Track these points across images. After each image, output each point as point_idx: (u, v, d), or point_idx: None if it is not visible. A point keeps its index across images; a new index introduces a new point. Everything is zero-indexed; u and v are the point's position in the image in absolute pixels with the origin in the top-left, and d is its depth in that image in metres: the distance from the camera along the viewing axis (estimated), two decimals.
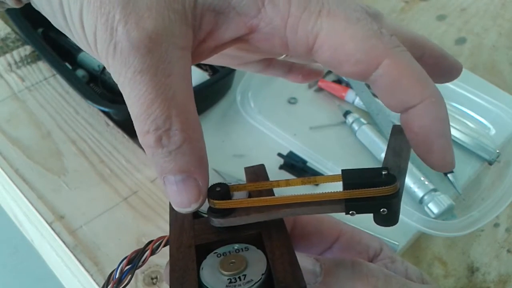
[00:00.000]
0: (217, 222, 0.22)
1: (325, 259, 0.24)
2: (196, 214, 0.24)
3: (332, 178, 0.22)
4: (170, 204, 0.22)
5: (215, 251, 0.22)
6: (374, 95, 0.61)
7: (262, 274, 0.21)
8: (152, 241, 0.24)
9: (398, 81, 0.20)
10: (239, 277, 0.21)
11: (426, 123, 0.21)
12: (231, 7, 0.21)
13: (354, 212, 0.22)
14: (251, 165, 0.27)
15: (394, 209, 0.21)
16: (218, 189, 0.22)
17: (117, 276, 0.23)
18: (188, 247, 0.22)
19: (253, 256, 0.22)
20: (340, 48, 0.20)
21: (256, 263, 0.21)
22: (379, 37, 0.20)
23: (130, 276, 0.23)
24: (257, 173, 0.26)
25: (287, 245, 0.22)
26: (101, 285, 0.23)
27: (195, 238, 0.23)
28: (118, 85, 0.20)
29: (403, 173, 0.22)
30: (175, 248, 0.22)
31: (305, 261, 0.23)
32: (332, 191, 0.21)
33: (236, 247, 0.22)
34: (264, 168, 0.26)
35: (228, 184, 0.23)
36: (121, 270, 0.23)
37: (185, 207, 0.21)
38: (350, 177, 0.21)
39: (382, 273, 0.24)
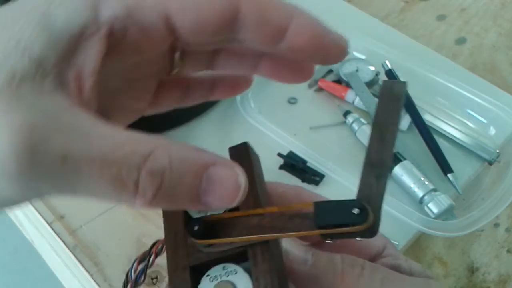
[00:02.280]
0: (206, 251, 0.24)
1: (318, 251, 0.24)
2: (187, 218, 0.24)
3: (304, 205, 0.22)
4: (163, 213, 0.23)
5: (207, 274, 0.24)
6: (374, 95, 0.61)
7: None
8: (155, 243, 0.25)
9: (262, 13, 0.20)
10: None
11: (307, 35, 0.20)
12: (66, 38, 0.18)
13: (330, 240, 0.22)
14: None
15: (372, 234, 0.21)
16: (196, 227, 0.23)
17: (133, 277, 0.23)
18: (183, 269, 0.24)
19: (241, 281, 0.23)
20: (200, 8, 0.19)
21: None
22: None
23: (144, 275, 0.24)
24: (240, 154, 0.26)
25: (272, 268, 0.22)
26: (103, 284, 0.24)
27: (188, 257, 0.24)
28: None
29: (385, 169, 0.22)
30: (172, 270, 0.24)
31: (298, 249, 0.24)
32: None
33: (225, 271, 0.24)
34: (248, 148, 0.26)
35: (203, 217, 0.24)
36: (135, 271, 0.24)
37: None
38: (322, 213, 0.22)
39: (369, 264, 0.24)
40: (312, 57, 0.21)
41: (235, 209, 0.23)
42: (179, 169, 0.18)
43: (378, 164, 0.22)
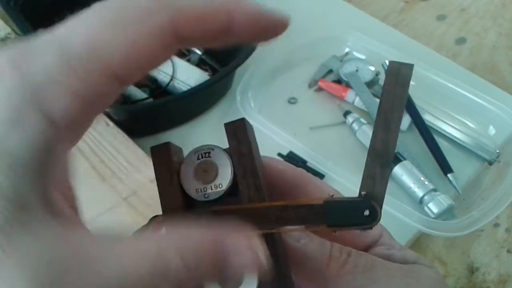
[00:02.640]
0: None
1: (311, 234, 0.25)
2: (188, 200, 0.24)
3: (313, 201, 0.22)
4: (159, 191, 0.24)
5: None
6: (374, 95, 0.61)
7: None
8: (152, 219, 0.25)
9: (197, 19, 0.19)
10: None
11: (248, 27, 0.20)
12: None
13: (335, 232, 0.23)
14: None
15: (374, 226, 0.22)
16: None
17: None
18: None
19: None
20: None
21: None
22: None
23: None
24: (238, 137, 0.25)
25: (276, 256, 0.22)
26: None
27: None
28: None
29: (389, 158, 0.22)
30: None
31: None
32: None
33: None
34: (244, 125, 0.25)
35: (206, 202, 0.24)
36: None
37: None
38: (332, 213, 0.22)
39: (355, 252, 0.25)
40: (259, 39, 0.22)
41: (237, 197, 0.23)
42: (194, 261, 0.18)
43: (383, 153, 0.22)
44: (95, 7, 0.18)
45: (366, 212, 0.21)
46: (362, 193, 0.21)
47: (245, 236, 0.19)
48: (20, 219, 0.16)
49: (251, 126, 0.25)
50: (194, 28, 0.19)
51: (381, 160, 0.22)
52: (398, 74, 0.22)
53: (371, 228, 0.21)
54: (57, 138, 0.17)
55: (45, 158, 0.17)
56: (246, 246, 0.18)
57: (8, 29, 0.67)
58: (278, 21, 0.21)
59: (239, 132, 0.24)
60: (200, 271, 0.18)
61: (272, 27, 0.21)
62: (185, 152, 0.26)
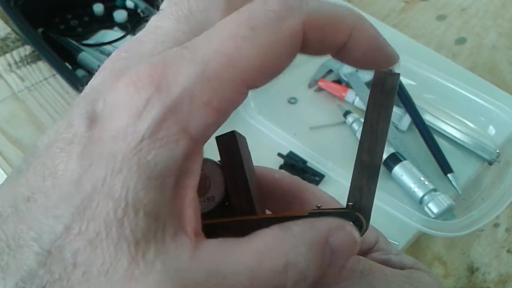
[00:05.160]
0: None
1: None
2: None
3: (300, 213, 0.22)
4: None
5: None
6: None
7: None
8: None
9: (322, 28, 0.19)
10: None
11: (363, 52, 0.19)
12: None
13: None
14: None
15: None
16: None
17: None
18: None
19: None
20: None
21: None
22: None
23: None
24: (229, 150, 0.25)
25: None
26: None
27: None
28: None
29: (376, 170, 0.22)
30: None
31: None
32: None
33: None
34: (235, 138, 0.25)
35: None
36: None
37: None
38: None
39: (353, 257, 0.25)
40: (367, 67, 0.21)
41: (229, 209, 0.23)
42: (307, 261, 0.19)
43: (369, 164, 0.22)
44: (227, 18, 0.18)
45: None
46: (349, 204, 0.21)
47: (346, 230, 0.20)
48: (156, 235, 0.16)
49: (243, 137, 0.25)
50: (318, 35, 0.19)
51: (367, 171, 0.21)
52: (384, 84, 0.22)
53: None
54: (193, 151, 0.17)
55: (182, 172, 0.17)
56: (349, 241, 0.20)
57: (8, 29, 0.67)
58: (392, 55, 0.20)
59: (230, 145, 0.24)
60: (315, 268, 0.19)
61: (384, 59, 0.20)
62: None
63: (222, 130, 0.24)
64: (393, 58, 0.21)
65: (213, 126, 0.18)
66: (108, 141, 0.17)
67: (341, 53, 0.20)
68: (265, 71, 0.18)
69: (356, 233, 0.20)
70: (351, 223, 0.21)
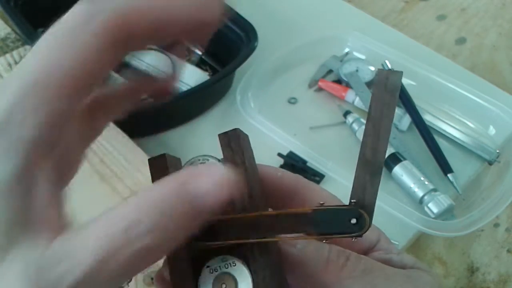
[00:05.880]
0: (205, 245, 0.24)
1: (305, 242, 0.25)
2: None
3: (302, 210, 0.22)
4: None
5: (207, 265, 0.24)
6: None
7: None
8: None
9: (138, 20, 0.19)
10: None
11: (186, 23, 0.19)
12: None
13: (326, 240, 0.23)
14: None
15: (364, 234, 0.22)
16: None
17: None
18: (182, 260, 0.23)
19: (240, 274, 0.23)
20: None
21: (243, 282, 0.23)
22: None
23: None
24: (232, 147, 0.25)
25: (270, 262, 0.23)
26: None
27: (187, 248, 0.24)
28: None
29: (379, 167, 0.22)
30: (171, 261, 0.24)
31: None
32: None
33: (225, 263, 0.24)
34: (238, 135, 0.25)
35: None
36: None
37: None
38: (320, 221, 0.22)
39: (354, 255, 0.25)
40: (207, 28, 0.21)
41: (231, 206, 0.23)
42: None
43: (372, 161, 0.22)
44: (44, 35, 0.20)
45: (353, 221, 0.21)
46: (352, 201, 0.21)
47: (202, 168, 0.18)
48: (14, 237, 0.17)
49: (245, 135, 0.25)
50: (141, 25, 0.19)
51: (371, 168, 0.21)
52: (387, 81, 0.22)
53: (360, 236, 0.21)
54: (37, 154, 0.18)
55: (26, 177, 0.18)
56: (206, 175, 0.18)
57: (8, 29, 0.67)
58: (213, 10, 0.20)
59: (232, 142, 0.25)
60: (174, 225, 0.17)
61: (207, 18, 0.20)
62: (184, 152, 0.26)
63: (222, 130, 0.24)
64: (215, 11, 0.20)
65: (50, 128, 0.18)
66: None
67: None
68: (85, 72, 0.19)
69: (222, 169, 0.18)
70: (218, 163, 0.19)
